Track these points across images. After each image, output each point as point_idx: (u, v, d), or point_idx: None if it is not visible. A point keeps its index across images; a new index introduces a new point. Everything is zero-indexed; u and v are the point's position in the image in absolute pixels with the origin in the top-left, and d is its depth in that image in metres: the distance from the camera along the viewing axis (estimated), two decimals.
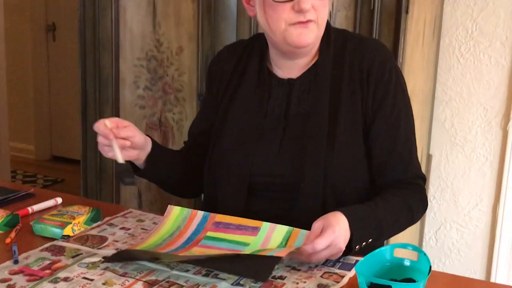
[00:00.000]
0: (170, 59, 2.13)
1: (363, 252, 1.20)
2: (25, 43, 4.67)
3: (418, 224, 2.41)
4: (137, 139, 1.34)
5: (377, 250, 1.15)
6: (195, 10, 2.05)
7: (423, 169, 2.34)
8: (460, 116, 2.37)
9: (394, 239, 2.01)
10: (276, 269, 1.20)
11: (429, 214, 2.47)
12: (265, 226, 1.30)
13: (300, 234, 1.26)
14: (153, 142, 1.44)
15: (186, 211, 1.38)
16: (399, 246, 1.17)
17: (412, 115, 1.45)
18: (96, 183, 2.32)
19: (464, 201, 2.42)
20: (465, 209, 2.42)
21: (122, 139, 1.30)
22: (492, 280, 2.40)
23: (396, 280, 1.11)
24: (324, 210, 1.35)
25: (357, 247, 1.24)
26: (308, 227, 1.29)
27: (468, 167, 2.39)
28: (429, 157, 2.41)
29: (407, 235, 2.27)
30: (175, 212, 1.38)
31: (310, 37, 1.33)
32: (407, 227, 1.42)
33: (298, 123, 1.40)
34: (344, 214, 1.22)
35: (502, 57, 2.27)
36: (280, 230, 1.28)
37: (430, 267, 1.09)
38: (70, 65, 4.42)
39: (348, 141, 1.38)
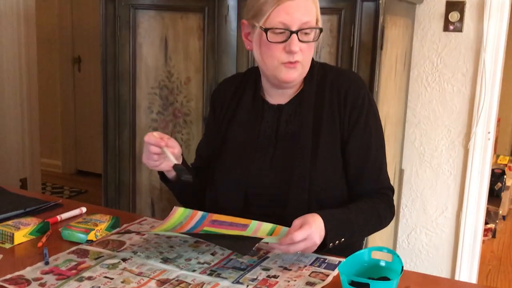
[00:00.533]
0: (179, 88, 2.13)
1: (344, 254, 1.22)
2: (54, 73, 4.68)
3: (392, 228, 2.42)
4: (177, 150, 1.36)
5: (357, 253, 1.16)
6: (200, 46, 2.06)
7: (397, 182, 2.37)
8: (428, 136, 2.38)
9: (372, 242, 2.02)
10: (270, 269, 1.21)
11: (401, 220, 2.48)
12: (253, 223, 1.33)
13: (282, 230, 1.29)
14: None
15: (188, 211, 1.41)
16: (376, 249, 1.18)
17: (383, 136, 1.47)
18: (115, 194, 2.31)
19: (432, 209, 2.42)
20: (432, 216, 2.43)
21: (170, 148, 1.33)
22: (456, 277, 2.40)
23: (373, 279, 1.12)
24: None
25: (331, 244, 1.26)
26: None
27: (435, 180, 2.40)
28: (401, 172, 2.43)
29: (383, 238, 2.28)
30: (179, 212, 1.41)
31: (296, 75, 1.36)
32: (377, 230, 1.44)
33: (287, 142, 1.42)
34: (320, 215, 1.25)
35: (463, 86, 2.29)
36: (265, 227, 1.32)
37: (402, 267, 1.10)
38: (92, 93, 4.43)
39: (328, 157, 1.40)
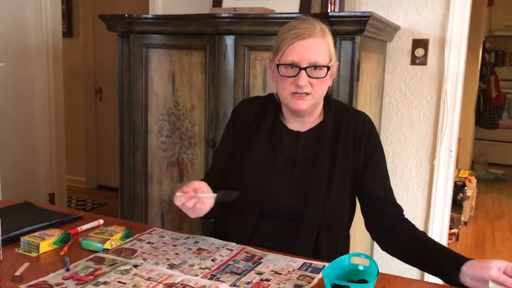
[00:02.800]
0: (185, 114, 2.12)
1: (329, 260, 1.19)
2: (79, 102, 4.67)
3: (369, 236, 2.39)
4: (203, 186, 1.27)
5: (338, 258, 1.14)
6: (203, 79, 2.06)
7: None
8: (399, 155, 2.37)
9: (352, 247, 1.98)
10: (263, 273, 1.18)
11: None
12: None
13: None
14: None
15: None
16: (355, 255, 1.15)
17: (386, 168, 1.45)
18: (129, 207, 2.28)
19: None
20: None
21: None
22: (425, 278, 2.37)
23: (352, 281, 1.10)
24: (318, 233, 1.34)
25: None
26: (304, 242, 1.33)
27: (405, 192, 2.38)
28: None
29: (362, 242, 2.25)
30: None
31: (305, 105, 1.32)
32: None
33: (304, 167, 1.38)
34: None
35: (428, 111, 2.28)
36: None
37: (378, 270, 1.08)
38: (111, 118, 4.42)
39: (340, 186, 1.36)
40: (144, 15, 2.09)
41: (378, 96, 2.25)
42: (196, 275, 1.16)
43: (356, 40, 1.76)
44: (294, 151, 1.39)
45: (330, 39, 1.32)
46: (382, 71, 2.27)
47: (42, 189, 3.43)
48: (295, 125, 1.41)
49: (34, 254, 1.26)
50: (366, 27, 1.73)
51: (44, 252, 1.27)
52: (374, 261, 1.11)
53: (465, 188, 3.87)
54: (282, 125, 1.43)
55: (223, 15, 1.94)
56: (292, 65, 1.28)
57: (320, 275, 1.18)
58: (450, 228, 3.71)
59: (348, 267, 1.14)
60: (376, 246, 2.44)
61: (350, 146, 1.37)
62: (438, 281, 2.28)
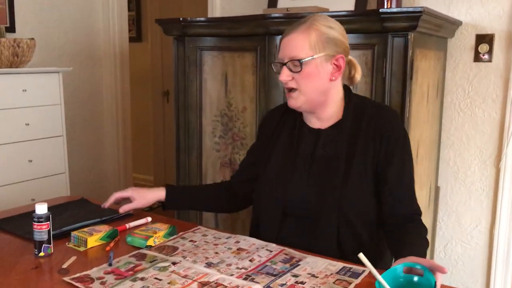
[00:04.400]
0: (237, 115, 2.14)
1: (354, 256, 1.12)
2: (148, 104, 4.86)
3: (430, 240, 2.28)
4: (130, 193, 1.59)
5: (391, 268, 1.07)
6: (254, 81, 2.06)
7: (433, 198, 2.25)
8: (462, 157, 2.24)
9: None
10: (299, 276, 1.16)
11: (438, 232, 2.33)
12: None
13: None
14: (170, 190, 1.59)
15: None
16: (409, 265, 1.08)
17: (413, 168, 1.39)
18: None
19: (466, 223, 2.27)
20: (467, 229, 2.27)
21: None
22: (491, 286, 2.23)
23: None
24: (338, 230, 1.32)
25: None
26: (325, 240, 1.32)
27: (468, 197, 2.25)
28: (437, 189, 2.29)
29: None
30: None
31: (296, 102, 1.35)
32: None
33: (322, 163, 1.38)
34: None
35: (493, 111, 2.14)
36: None
37: (435, 283, 1.01)
38: None
39: (358, 181, 1.34)
40: (197, 18, 2.13)
41: (438, 95, 2.14)
42: (232, 275, 1.16)
43: (409, 36, 1.69)
44: (314, 149, 1.39)
45: (314, 32, 1.30)
46: (442, 69, 2.16)
47: (110, 187, 3.60)
48: (316, 123, 1.42)
49: (82, 249, 1.32)
50: (419, 23, 1.65)
51: (92, 247, 1.33)
52: (429, 272, 1.05)
53: None
54: (303, 125, 1.44)
55: (273, 15, 1.94)
56: (279, 62, 1.35)
57: (358, 280, 1.14)
58: None
59: (403, 278, 1.07)
60: (437, 250, 2.34)
61: (371, 142, 1.34)
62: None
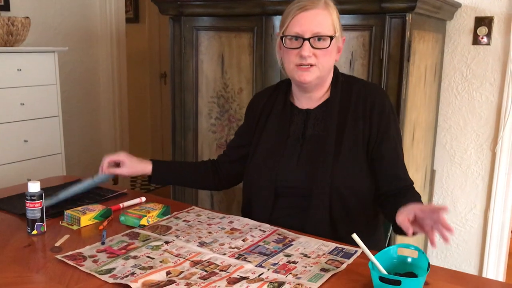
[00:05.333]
0: (233, 97, 2.13)
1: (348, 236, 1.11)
2: (145, 86, 4.83)
3: None
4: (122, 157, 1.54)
5: (385, 249, 1.07)
6: (251, 61, 2.05)
7: (428, 181, 2.25)
8: (458, 140, 2.24)
9: (401, 237, 1.91)
10: (291, 255, 1.16)
11: None
12: None
13: None
14: (156, 165, 1.57)
15: None
16: (403, 246, 1.08)
17: (402, 141, 1.41)
18: (181, 187, 2.33)
19: (461, 206, 2.27)
20: (462, 212, 2.28)
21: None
22: (484, 269, 2.24)
23: (399, 274, 1.04)
24: (331, 207, 1.32)
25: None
26: (318, 219, 1.32)
27: (464, 180, 2.25)
28: (433, 172, 2.29)
29: None
30: None
31: (311, 77, 1.32)
32: None
33: (312, 142, 1.38)
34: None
35: (491, 94, 2.14)
36: None
37: (429, 263, 1.01)
38: None
39: (350, 157, 1.34)
40: None
41: (435, 78, 2.13)
42: (224, 254, 1.16)
43: (407, 18, 1.67)
44: (304, 129, 1.39)
45: (334, 11, 1.32)
46: (440, 52, 2.14)
47: None
48: (305, 103, 1.41)
49: (75, 227, 1.32)
50: (417, 4, 1.64)
51: (85, 226, 1.33)
52: (423, 253, 1.05)
53: None
54: (292, 106, 1.43)
55: None
56: (296, 36, 1.29)
57: (350, 261, 1.15)
58: None
59: (396, 259, 1.08)
60: None
61: (360, 118, 1.34)
62: (499, 272, 2.15)
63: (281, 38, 1.33)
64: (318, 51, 1.29)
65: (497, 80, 2.11)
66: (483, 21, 2.09)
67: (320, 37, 1.28)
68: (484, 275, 2.24)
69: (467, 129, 2.20)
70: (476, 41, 2.12)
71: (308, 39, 1.28)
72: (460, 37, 2.15)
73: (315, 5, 1.29)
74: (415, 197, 1.31)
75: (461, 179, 2.25)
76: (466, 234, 2.28)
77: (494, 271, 2.22)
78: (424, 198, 2.22)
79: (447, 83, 2.22)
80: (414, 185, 1.38)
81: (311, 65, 1.30)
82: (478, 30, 2.10)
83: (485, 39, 2.09)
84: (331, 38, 1.29)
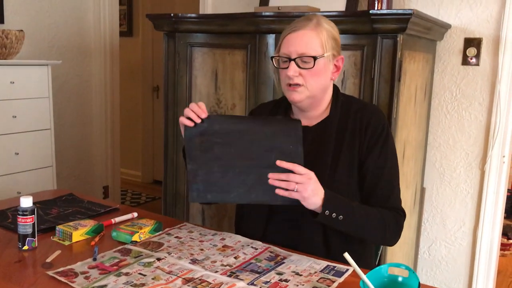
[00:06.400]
0: (226, 112, 2.14)
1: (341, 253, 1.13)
2: (137, 99, 4.84)
3: (414, 241, 2.31)
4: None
5: (376, 268, 1.08)
6: (244, 78, 2.06)
7: (418, 199, 2.27)
8: (447, 159, 2.27)
9: (393, 254, 1.92)
10: (283, 274, 1.17)
11: (423, 233, 2.36)
12: None
13: None
14: None
15: None
16: (393, 265, 1.09)
17: (397, 164, 1.41)
18: (172, 202, 2.33)
19: (451, 224, 2.29)
20: (451, 230, 2.30)
21: None
22: (473, 286, 2.25)
23: None
24: (325, 226, 1.33)
25: (326, 212, 1.23)
26: (312, 235, 1.33)
27: (453, 198, 2.27)
28: (423, 190, 2.31)
29: (406, 249, 2.17)
30: None
31: (300, 96, 1.34)
32: (379, 233, 1.33)
33: (309, 158, 1.37)
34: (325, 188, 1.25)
35: (480, 114, 2.17)
36: None
37: (419, 283, 1.01)
38: None
39: (345, 175, 1.35)
40: (188, 15, 2.12)
41: (426, 97, 2.16)
42: (216, 272, 1.16)
43: (398, 38, 1.70)
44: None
45: (324, 31, 1.32)
46: (430, 72, 2.17)
47: (97, 182, 3.58)
48: (304, 121, 1.42)
49: (67, 243, 1.32)
50: (408, 25, 1.66)
51: (77, 241, 1.33)
52: (414, 272, 1.05)
53: None
54: None
55: (264, 13, 1.94)
56: (285, 57, 1.33)
57: (341, 279, 1.15)
58: (509, 238, 3.51)
59: (387, 277, 1.08)
60: (421, 250, 2.36)
61: (357, 137, 1.36)
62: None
63: (273, 58, 1.37)
64: (304, 71, 1.31)
65: (486, 100, 2.14)
66: (472, 42, 2.13)
67: (304, 57, 1.30)
68: None
69: (457, 147, 2.23)
70: (465, 61, 2.16)
71: (294, 59, 1.31)
72: (450, 57, 2.19)
73: (304, 26, 1.31)
74: (361, 207, 1.31)
75: (450, 197, 2.27)
76: (455, 252, 2.29)
77: (483, 286, 2.24)
78: (414, 216, 2.24)
79: (437, 102, 2.25)
80: (400, 212, 1.37)
81: (299, 85, 1.32)
82: (467, 51, 2.14)
83: (474, 60, 2.13)
84: (315, 58, 1.30)
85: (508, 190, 2.88)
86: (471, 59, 2.14)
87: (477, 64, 2.14)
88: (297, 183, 1.19)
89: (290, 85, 1.33)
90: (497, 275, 2.31)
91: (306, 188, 1.20)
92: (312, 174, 1.22)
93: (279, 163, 1.21)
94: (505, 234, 3.46)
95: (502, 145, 2.12)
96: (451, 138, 2.24)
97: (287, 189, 1.20)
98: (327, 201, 1.23)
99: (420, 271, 2.36)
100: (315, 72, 1.32)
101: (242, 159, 1.26)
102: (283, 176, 1.20)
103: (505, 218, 2.42)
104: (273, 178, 1.21)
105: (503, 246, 3.28)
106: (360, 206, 1.31)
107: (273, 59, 1.36)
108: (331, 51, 1.34)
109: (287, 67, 1.32)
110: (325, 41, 1.32)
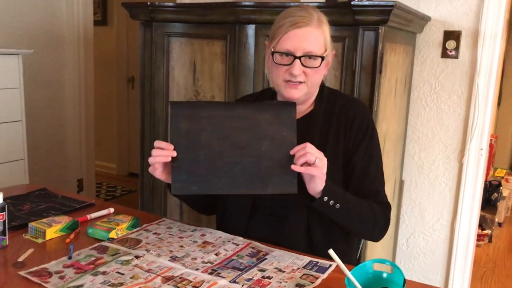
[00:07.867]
0: None
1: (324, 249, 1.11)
2: (111, 90, 4.74)
3: (393, 233, 2.32)
4: None
5: (360, 265, 1.06)
6: (223, 69, 2.02)
7: (397, 192, 2.27)
8: (426, 151, 2.28)
9: (373, 246, 1.92)
10: (265, 270, 1.14)
11: (401, 225, 2.37)
12: None
13: None
14: None
15: None
16: (378, 261, 1.08)
17: (381, 159, 1.40)
18: (149, 196, 2.29)
19: (429, 216, 2.31)
20: (429, 222, 2.31)
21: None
22: (450, 278, 2.28)
23: None
24: (308, 218, 1.31)
25: (325, 198, 1.22)
26: (295, 229, 1.31)
27: (432, 190, 2.29)
28: (401, 182, 2.32)
29: (384, 241, 2.17)
30: None
31: (299, 94, 1.31)
32: (369, 224, 1.32)
33: None
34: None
35: (459, 107, 2.18)
36: None
37: (405, 280, 1.00)
38: None
39: (330, 171, 1.32)
40: (165, 3, 2.06)
41: (405, 90, 2.16)
42: (197, 269, 1.13)
43: (380, 30, 1.69)
44: None
45: (326, 28, 1.30)
46: (410, 64, 2.17)
47: (71, 175, 3.49)
48: None
49: (40, 241, 1.27)
50: (390, 17, 1.65)
51: (51, 239, 1.28)
52: (399, 268, 1.04)
53: (501, 188, 3.71)
54: None
55: (244, 3, 1.90)
56: (287, 53, 1.27)
57: (325, 275, 1.14)
58: (483, 229, 3.57)
59: (372, 274, 1.07)
60: (399, 242, 2.37)
61: (342, 131, 1.35)
62: (465, 281, 2.18)
63: (272, 53, 1.29)
64: (309, 70, 1.27)
65: (465, 93, 2.15)
66: (451, 35, 2.13)
67: (311, 56, 1.26)
68: (450, 284, 2.27)
69: (435, 140, 2.24)
70: (444, 54, 2.16)
71: (300, 58, 1.25)
72: (429, 50, 2.19)
73: (309, 23, 1.26)
74: (354, 198, 1.30)
75: (429, 190, 2.29)
76: (433, 244, 2.31)
77: (460, 279, 2.26)
78: (393, 208, 2.24)
79: (416, 95, 2.25)
80: (388, 206, 1.37)
81: (300, 82, 1.28)
82: (446, 43, 2.14)
83: (453, 53, 2.14)
84: (322, 58, 1.28)
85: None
86: (450, 52, 2.15)
87: (456, 57, 2.14)
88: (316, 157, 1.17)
89: (289, 81, 1.28)
90: (473, 266, 2.34)
91: (325, 164, 1.18)
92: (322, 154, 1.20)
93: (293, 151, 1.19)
94: (479, 225, 3.53)
95: (480, 138, 2.14)
96: (430, 131, 2.25)
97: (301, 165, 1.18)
98: (327, 187, 1.21)
99: (398, 263, 2.37)
100: (318, 70, 1.29)
101: (230, 147, 1.21)
102: (300, 149, 1.17)
103: None
104: (293, 153, 1.19)
105: (478, 237, 3.34)
106: (354, 198, 1.30)
107: (274, 55, 1.28)
108: (330, 48, 1.32)
109: (289, 64, 1.27)
110: (327, 39, 1.30)
